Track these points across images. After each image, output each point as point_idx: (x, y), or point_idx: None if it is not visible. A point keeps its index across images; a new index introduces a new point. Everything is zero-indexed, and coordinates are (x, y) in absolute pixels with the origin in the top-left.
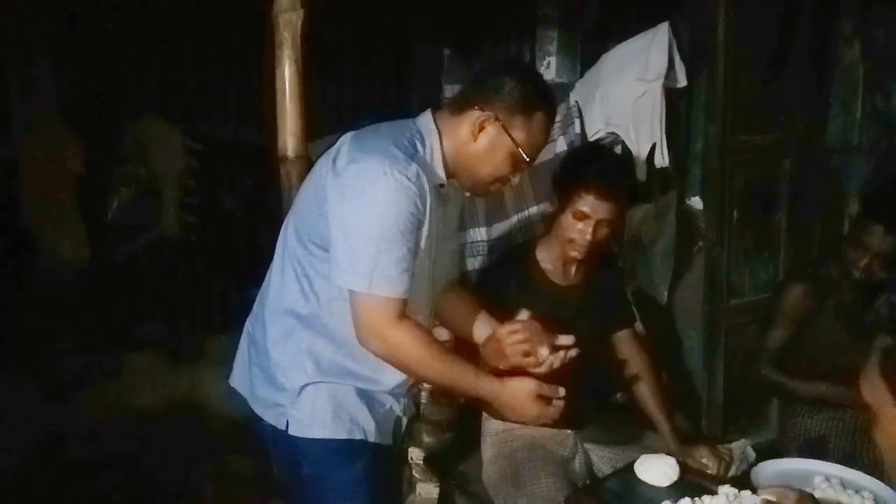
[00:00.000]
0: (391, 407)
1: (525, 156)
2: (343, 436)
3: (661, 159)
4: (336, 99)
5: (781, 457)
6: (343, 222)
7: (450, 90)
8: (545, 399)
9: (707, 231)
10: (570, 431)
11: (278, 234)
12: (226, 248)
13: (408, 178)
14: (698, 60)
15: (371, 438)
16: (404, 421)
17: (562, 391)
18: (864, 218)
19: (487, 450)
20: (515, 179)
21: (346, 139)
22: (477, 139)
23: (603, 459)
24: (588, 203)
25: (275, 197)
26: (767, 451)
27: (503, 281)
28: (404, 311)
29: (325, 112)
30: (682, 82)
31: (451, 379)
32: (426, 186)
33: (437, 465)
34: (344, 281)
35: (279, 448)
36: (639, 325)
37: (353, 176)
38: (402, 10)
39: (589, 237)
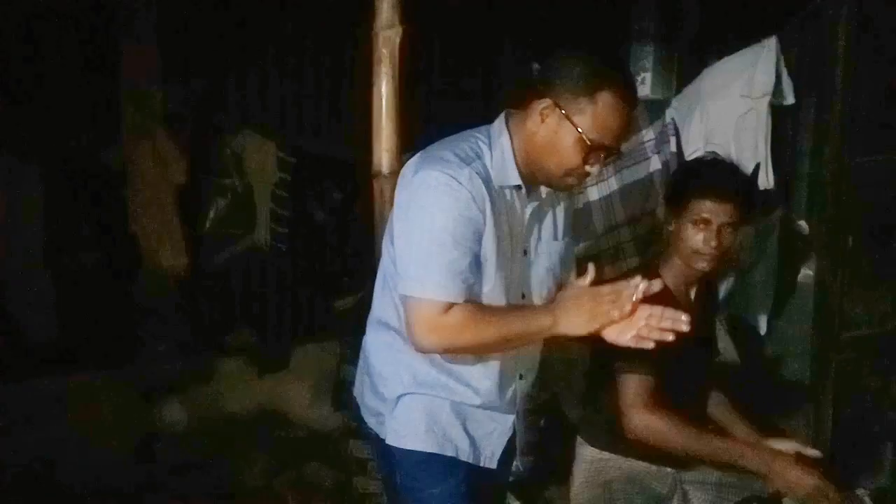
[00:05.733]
0: (494, 429)
1: (590, 141)
2: (433, 449)
3: (766, 180)
4: (429, 115)
5: None
6: (401, 232)
7: None
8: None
9: (818, 258)
10: (669, 469)
11: (365, 247)
12: (315, 260)
13: (458, 182)
14: (809, 77)
15: (463, 457)
16: (518, 444)
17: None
18: None
19: (579, 476)
20: (594, 170)
21: (419, 154)
22: (539, 130)
23: (703, 502)
24: (706, 208)
25: (365, 211)
26: (883, 499)
27: None
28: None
29: (419, 128)
30: (790, 100)
31: (520, 331)
32: (484, 189)
33: (521, 489)
34: (402, 287)
35: (380, 456)
36: (734, 356)
37: (413, 187)
38: (494, 27)
39: (714, 244)
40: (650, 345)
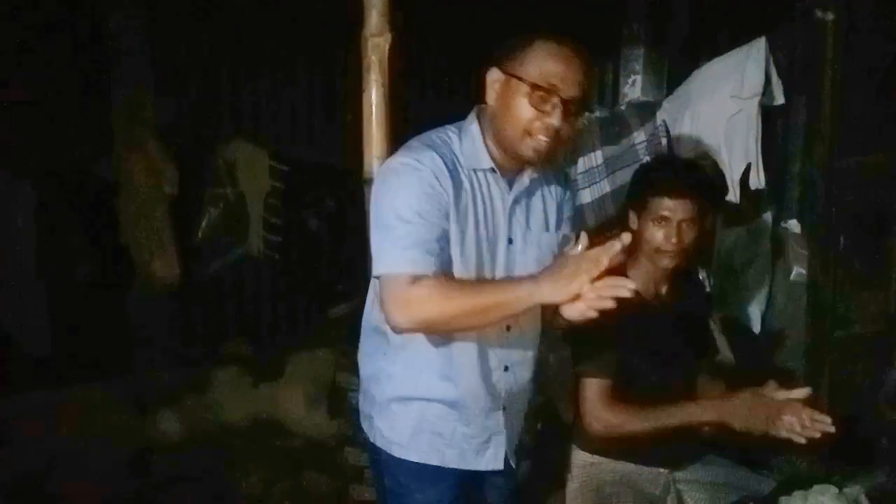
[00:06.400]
0: (482, 429)
1: (533, 86)
2: (418, 459)
3: (757, 181)
4: (420, 120)
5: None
6: (372, 218)
7: None
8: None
9: (810, 258)
10: (662, 470)
11: (358, 254)
12: (308, 268)
13: (420, 162)
14: (799, 76)
15: (451, 464)
16: (508, 441)
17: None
18: None
19: (573, 481)
20: (555, 121)
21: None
22: (495, 102)
23: (697, 502)
24: (665, 206)
25: (358, 218)
26: (879, 497)
27: None
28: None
29: (409, 134)
30: (780, 100)
31: (497, 300)
32: (446, 170)
33: (519, 495)
34: (374, 268)
35: (371, 459)
36: (728, 355)
37: (381, 175)
38: (486, 30)
39: (675, 240)
40: (593, 314)
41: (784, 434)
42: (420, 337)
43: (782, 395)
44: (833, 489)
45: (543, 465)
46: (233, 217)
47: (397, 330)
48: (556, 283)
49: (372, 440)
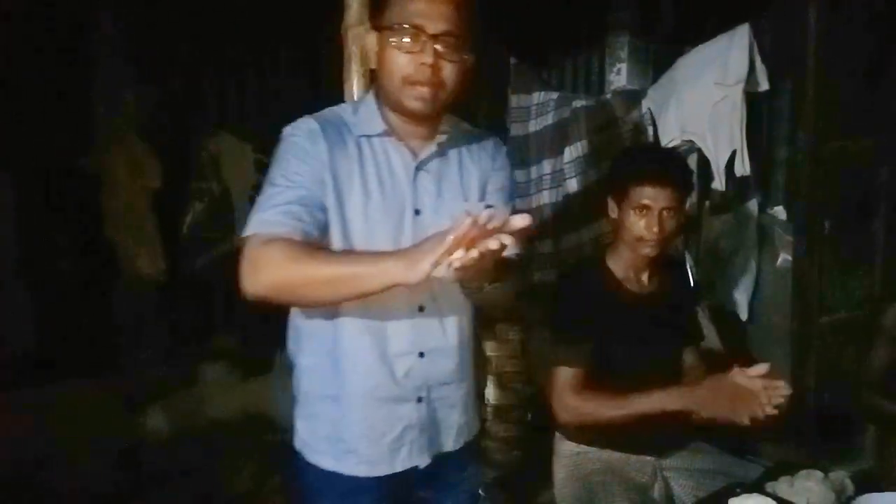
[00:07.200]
0: (394, 424)
1: (392, 28)
2: (327, 465)
3: (742, 167)
4: None
5: (879, 487)
6: None
7: (516, 100)
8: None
9: (796, 243)
10: (649, 457)
11: None
12: None
13: (293, 128)
14: (783, 63)
15: (362, 473)
16: (424, 436)
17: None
18: None
19: (560, 471)
20: (428, 58)
21: None
22: (376, 65)
23: (684, 489)
24: (646, 194)
25: None
26: (863, 482)
27: (576, 294)
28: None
29: None
30: (764, 86)
31: (344, 276)
32: (321, 133)
33: (504, 484)
34: None
35: (289, 468)
36: (716, 342)
37: None
38: None
39: (656, 229)
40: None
41: (747, 420)
42: (323, 324)
43: (743, 376)
44: (819, 474)
45: (532, 455)
46: (218, 211)
47: (249, 296)
48: (407, 260)
49: (293, 444)
